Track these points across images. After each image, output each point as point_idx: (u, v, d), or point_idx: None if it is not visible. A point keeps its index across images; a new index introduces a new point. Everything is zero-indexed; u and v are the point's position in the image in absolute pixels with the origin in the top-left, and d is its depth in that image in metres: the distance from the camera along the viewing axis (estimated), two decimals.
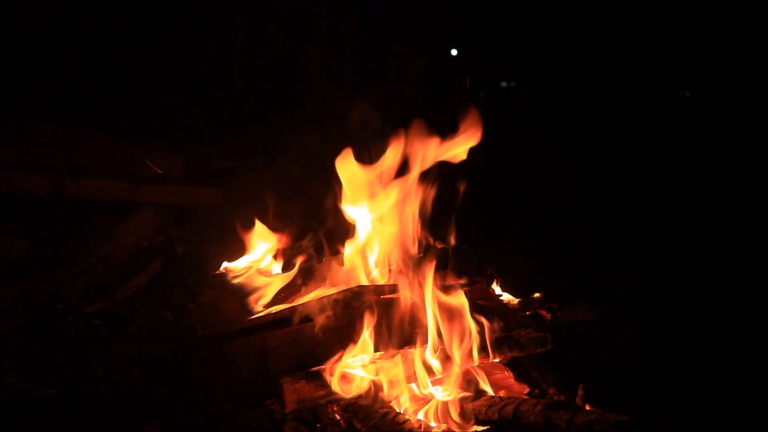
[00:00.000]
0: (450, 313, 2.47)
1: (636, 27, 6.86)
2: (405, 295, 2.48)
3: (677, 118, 6.96)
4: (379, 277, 2.65)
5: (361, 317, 2.37)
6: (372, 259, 2.67)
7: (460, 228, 2.73)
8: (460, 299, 2.49)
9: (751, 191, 5.55)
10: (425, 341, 2.45)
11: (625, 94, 6.90)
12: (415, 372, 2.43)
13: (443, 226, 2.72)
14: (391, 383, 2.38)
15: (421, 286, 2.48)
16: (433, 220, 2.68)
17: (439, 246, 2.69)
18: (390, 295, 2.45)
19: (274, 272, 2.80)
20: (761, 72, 6.30)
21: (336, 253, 2.72)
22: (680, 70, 6.97)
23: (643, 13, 6.75)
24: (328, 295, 2.43)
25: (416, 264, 2.54)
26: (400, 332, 2.41)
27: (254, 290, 2.68)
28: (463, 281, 2.84)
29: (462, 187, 2.71)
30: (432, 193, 2.63)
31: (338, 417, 2.29)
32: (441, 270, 2.56)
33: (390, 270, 2.66)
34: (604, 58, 7.00)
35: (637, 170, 5.97)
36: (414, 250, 2.61)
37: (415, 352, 2.45)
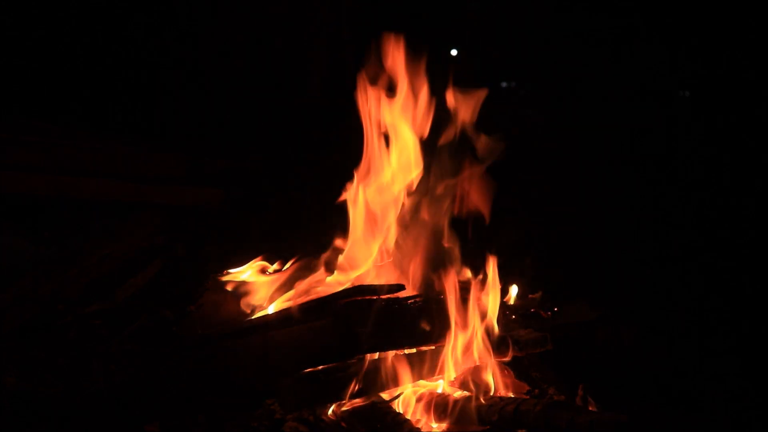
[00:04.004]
0: (453, 313, 2.47)
1: (636, 27, 6.87)
2: (407, 295, 2.48)
3: (678, 118, 6.97)
4: (383, 275, 2.65)
5: (360, 317, 2.36)
6: (376, 256, 2.66)
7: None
8: (462, 298, 2.50)
9: (753, 191, 5.54)
10: (427, 341, 2.45)
11: (625, 94, 6.90)
12: (415, 372, 2.43)
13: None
14: (392, 383, 2.38)
15: (427, 286, 2.49)
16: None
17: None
18: (389, 295, 2.45)
19: (274, 271, 2.80)
20: (762, 71, 6.30)
21: (338, 250, 2.71)
22: (680, 70, 6.97)
23: (643, 12, 6.76)
24: (327, 295, 2.43)
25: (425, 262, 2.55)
26: (399, 332, 2.40)
27: (254, 290, 2.68)
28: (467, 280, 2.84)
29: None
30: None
31: (338, 417, 2.29)
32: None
33: (392, 266, 2.66)
34: (605, 58, 7.00)
35: (637, 169, 5.97)
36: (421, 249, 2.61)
37: (417, 352, 2.45)
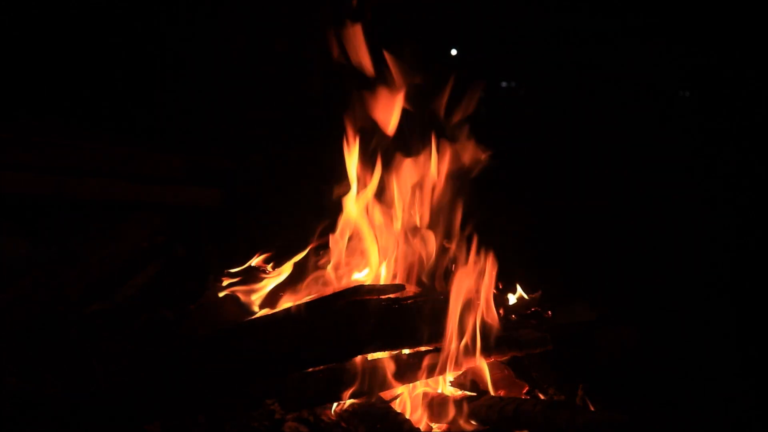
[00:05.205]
0: (452, 313, 2.47)
1: (636, 26, 6.88)
2: (407, 295, 2.48)
3: (677, 117, 6.97)
4: (384, 275, 2.65)
5: (360, 317, 2.36)
6: (376, 256, 2.67)
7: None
8: (461, 298, 2.50)
9: (753, 191, 5.54)
10: (427, 341, 2.45)
11: (625, 93, 6.91)
12: (415, 372, 2.43)
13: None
14: (392, 383, 2.38)
15: (428, 286, 2.49)
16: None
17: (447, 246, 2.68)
18: (389, 295, 2.45)
19: (273, 270, 2.80)
20: (762, 71, 6.31)
21: (338, 249, 2.71)
22: (680, 69, 6.98)
23: (642, 11, 6.77)
24: (327, 295, 2.43)
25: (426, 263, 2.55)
26: (399, 332, 2.40)
27: (254, 290, 2.68)
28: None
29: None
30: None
31: (338, 417, 2.29)
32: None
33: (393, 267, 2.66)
34: (605, 57, 7.01)
35: (636, 169, 5.98)
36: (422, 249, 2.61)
37: (417, 352, 2.45)
